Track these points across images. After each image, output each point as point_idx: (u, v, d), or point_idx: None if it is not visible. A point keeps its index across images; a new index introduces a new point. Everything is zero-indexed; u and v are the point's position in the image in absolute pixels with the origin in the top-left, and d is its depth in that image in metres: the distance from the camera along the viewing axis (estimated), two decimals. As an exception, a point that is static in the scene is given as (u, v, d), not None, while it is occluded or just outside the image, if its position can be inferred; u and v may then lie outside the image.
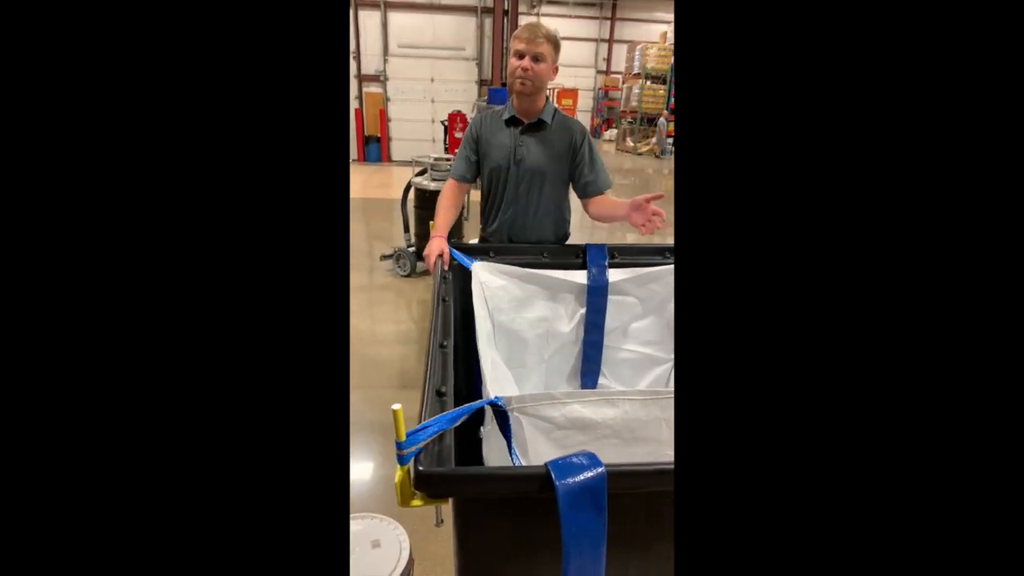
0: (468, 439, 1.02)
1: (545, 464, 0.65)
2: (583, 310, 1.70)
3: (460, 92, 10.79)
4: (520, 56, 1.54)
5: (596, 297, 1.69)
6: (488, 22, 10.36)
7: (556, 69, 1.61)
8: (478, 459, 1.05)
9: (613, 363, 1.79)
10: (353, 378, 2.77)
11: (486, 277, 1.57)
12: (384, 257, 4.58)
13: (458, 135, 8.54)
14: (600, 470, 0.65)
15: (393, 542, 1.22)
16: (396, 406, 0.64)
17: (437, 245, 1.53)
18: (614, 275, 1.68)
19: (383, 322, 3.64)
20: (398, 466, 0.66)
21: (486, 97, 8.99)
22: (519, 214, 1.70)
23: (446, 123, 8.78)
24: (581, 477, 0.65)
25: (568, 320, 1.71)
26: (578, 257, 1.71)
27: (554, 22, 13.38)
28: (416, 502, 0.66)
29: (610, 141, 15.68)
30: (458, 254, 1.55)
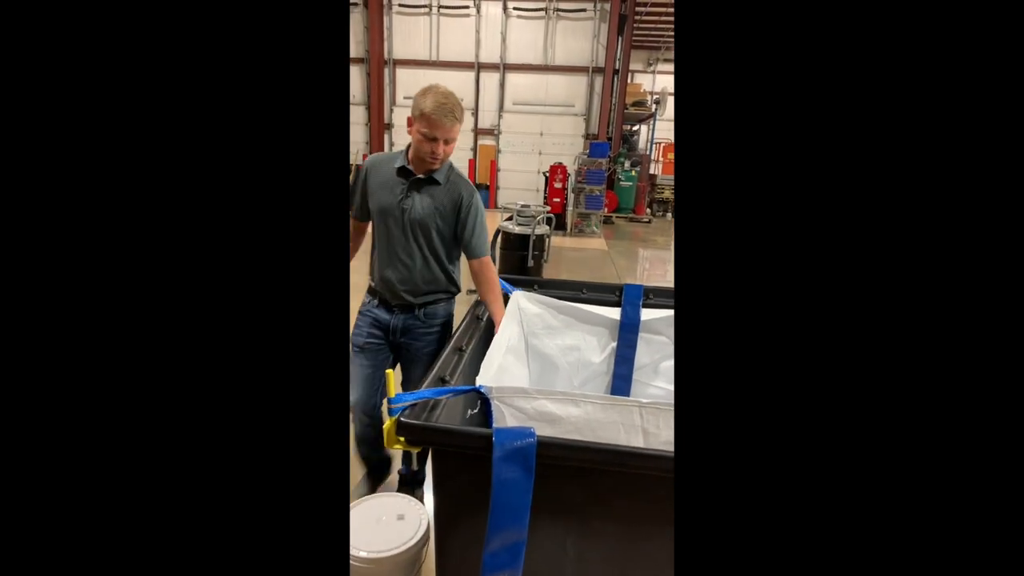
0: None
1: (491, 428, 0.86)
2: (614, 344, 1.85)
3: (567, 145, 11.36)
4: (431, 140, 1.49)
5: (628, 333, 1.83)
6: (598, 81, 10.92)
7: None
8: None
9: (641, 397, 1.90)
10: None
11: (525, 304, 1.80)
12: (471, 291, 4.97)
13: (557, 185, 8.98)
14: (531, 439, 0.84)
15: (415, 516, 1.45)
16: (389, 371, 0.89)
17: None
18: (647, 314, 1.82)
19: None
20: (390, 416, 0.91)
21: (587, 150, 9.42)
22: (391, 257, 1.64)
23: (547, 174, 9.28)
24: (517, 443, 0.84)
25: (600, 351, 1.86)
26: (615, 295, 1.88)
27: (670, 80, 13.62)
28: (397, 446, 0.89)
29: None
30: (502, 282, 1.80)
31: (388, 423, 0.90)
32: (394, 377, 0.89)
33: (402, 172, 1.61)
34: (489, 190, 11.73)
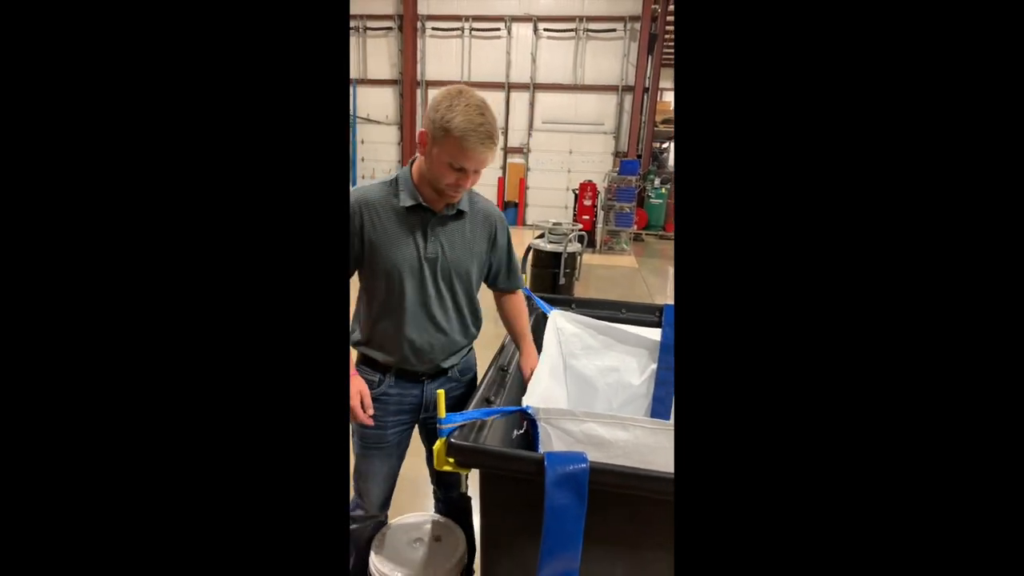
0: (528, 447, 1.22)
1: (543, 453, 0.85)
2: (654, 366, 1.81)
3: (596, 163, 11.38)
4: (458, 171, 1.09)
5: (668, 355, 1.80)
6: (628, 99, 10.94)
7: None
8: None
9: (685, 422, 1.85)
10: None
11: (562, 324, 1.78)
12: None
13: (587, 203, 8.97)
14: (584, 465, 0.83)
15: (452, 538, 1.43)
16: (439, 391, 0.89)
17: (356, 387, 1.16)
18: (688, 336, 1.78)
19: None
20: (439, 438, 0.90)
21: (617, 168, 9.40)
22: (419, 320, 1.23)
23: (576, 191, 9.29)
24: (569, 467, 0.83)
25: (639, 373, 1.83)
26: (655, 315, 1.85)
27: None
28: (447, 467, 0.89)
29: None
30: (540, 301, 1.79)
31: (439, 444, 0.90)
32: (443, 396, 0.89)
33: (415, 212, 1.17)
34: (518, 208, 11.80)
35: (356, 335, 1.30)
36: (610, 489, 0.85)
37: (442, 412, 0.90)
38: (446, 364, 1.30)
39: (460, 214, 1.23)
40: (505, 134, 11.66)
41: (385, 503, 1.40)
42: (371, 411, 1.17)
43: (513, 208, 11.81)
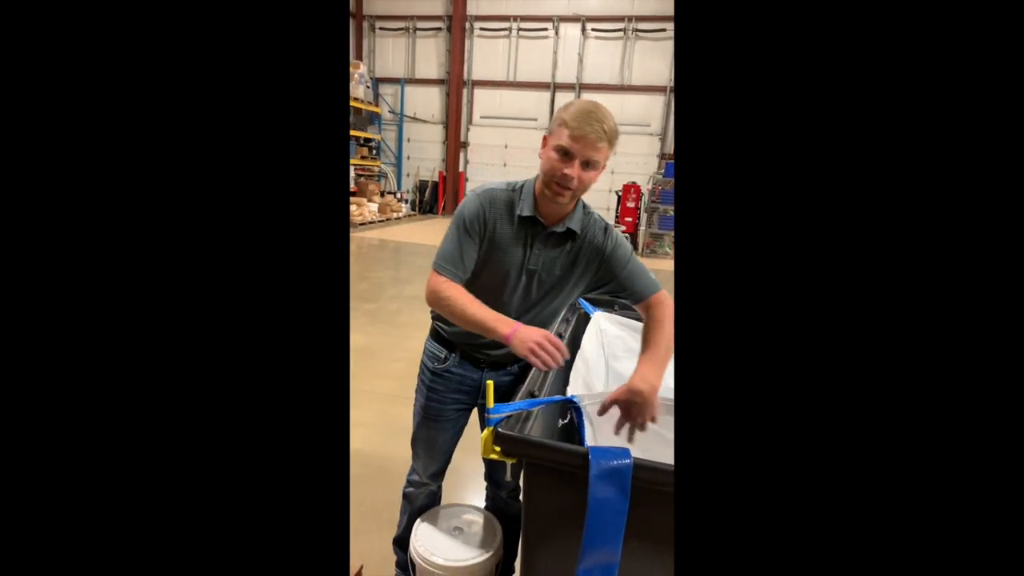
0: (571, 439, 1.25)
1: (587, 447, 0.87)
2: (697, 370, 1.80)
3: (640, 165, 11.24)
4: (566, 155, 1.08)
5: (712, 360, 1.78)
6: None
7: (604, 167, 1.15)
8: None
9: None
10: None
11: (606, 325, 1.80)
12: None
13: (630, 205, 8.88)
14: (627, 460, 0.85)
15: (491, 534, 1.48)
16: (488, 381, 0.93)
17: (539, 334, 1.06)
18: (733, 341, 1.76)
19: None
20: (487, 427, 0.94)
21: (663, 170, 9.27)
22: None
23: (620, 193, 9.21)
24: (614, 462, 0.85)
25: (681, 377, 1.82)
26: (699, 320, 1.84)
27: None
28: (493, 455, 0.92)
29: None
30: (583, 302, 1.81)
31: (486, 433, 0.93)
32: (492, 386, 0.93)
33: (529, 222, 1.19)
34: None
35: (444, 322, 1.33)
36: (653, 486, 0.86)
37: (490, 402, 0.94)
38: (509, 360, 1.34)
39: (570, 234, 1.21)
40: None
41: (437, 474, 1.47)
42: (565, 353, 1.06)
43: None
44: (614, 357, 1.82)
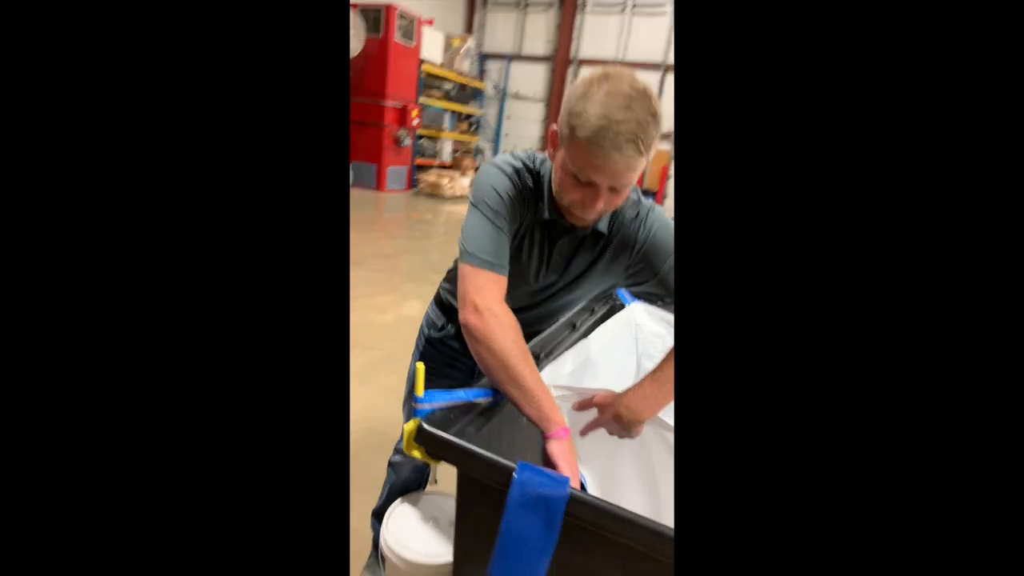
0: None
1: (517, 461, 0.68)
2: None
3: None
4: (585, 185, 0.81)
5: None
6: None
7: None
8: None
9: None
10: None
11: (643, 319, 1.55)
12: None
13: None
14: (564, 490, 0.65)
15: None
16: (420, 364, 0.76)
17: (574, 467, 0.79)
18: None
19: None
20: (413, 418, 0.78)
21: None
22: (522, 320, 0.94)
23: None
24: (543, 490, 0.66)
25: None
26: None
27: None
28: (415, 453, 0.76)
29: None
30: (621, 292, 1.57)
31: (410, 425, 0.78)
32: (423, 370, 0.76)
33: (549, 225, 0.95)
34: (656, 198, 11.16)
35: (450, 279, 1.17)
36: (593, 528, 0.66)
37: (420, 389, 0.77)
38: None
39: (597, 236, 0.96)
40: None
41: None
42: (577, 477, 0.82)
43: (652, 197, 11.19)
44: (648, 356, 1.57)
